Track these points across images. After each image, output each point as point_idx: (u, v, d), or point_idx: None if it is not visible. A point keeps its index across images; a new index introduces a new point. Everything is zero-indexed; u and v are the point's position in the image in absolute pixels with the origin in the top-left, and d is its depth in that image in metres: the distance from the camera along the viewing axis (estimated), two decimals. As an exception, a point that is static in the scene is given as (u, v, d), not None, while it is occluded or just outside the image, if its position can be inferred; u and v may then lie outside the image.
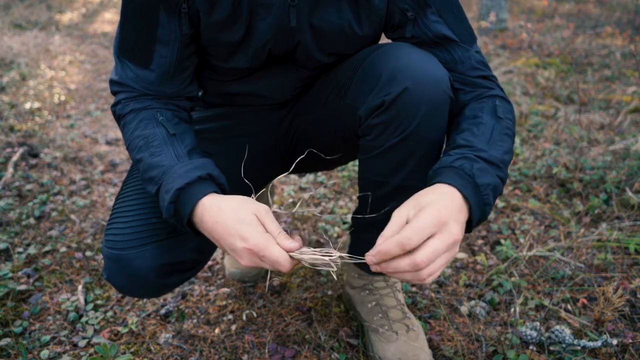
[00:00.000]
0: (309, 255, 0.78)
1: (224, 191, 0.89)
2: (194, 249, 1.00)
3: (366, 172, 1.01)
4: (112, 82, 0.98)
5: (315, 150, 1.04)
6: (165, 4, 0.90)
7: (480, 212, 0.80)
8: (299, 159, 0.92)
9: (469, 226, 0.81)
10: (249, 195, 1.21)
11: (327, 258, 0.78)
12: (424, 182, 0.98)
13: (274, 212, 0.85)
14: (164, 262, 0.94)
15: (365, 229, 1.12)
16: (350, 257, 0.80)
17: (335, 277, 0.80)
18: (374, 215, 1.03)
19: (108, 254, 0.94)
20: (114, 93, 0.99)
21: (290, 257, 0.78)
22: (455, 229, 0.73)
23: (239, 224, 0.78)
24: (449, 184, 0.79)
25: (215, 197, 0.83)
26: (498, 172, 0.83)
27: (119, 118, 0.98)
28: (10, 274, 1.47)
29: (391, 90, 0.88)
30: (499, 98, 0.95)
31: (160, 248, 0.94)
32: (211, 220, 0.80)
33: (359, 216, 1.12)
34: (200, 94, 1.16)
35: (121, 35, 0.94)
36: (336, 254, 0.78)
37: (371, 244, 1.12)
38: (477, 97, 0.96)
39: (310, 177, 2.17)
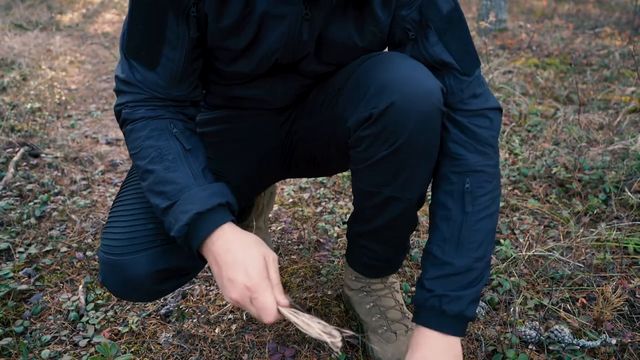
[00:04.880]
0: (304, 322, 0.79)
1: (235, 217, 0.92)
2: (189, 256, 0.99)
3: (359, 183, 1.00)
4: (118, 80, 0.94)
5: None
6: (174, 8, 0.88)
7: (465, 325, 0.93)
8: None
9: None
10: (247, 197, 1.21)
11: (326, 337, 0.76)
12: (418, 193, 0.99)
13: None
14: (160, 269, 0.94)
15: (360, 235, 1.13)
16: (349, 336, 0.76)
17: (338, 352, 0.79)
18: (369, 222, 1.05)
19: (104, 258, 0.94)
20: (118, 91, 0.95)
21: (278, 311, 0.81)
22: None
23: (248, 260, 0.82)
24: (429, 327, 0.92)
25: (234, 227, 0.86)
26: (468, 279, 0.91)
27: (125, 121, 0.94)
28: (11, 274, 1.48)
29: (378, 104, 0.87)
30: (470, 174, 0.94)
31: (156, 254, 0.93)
32: (224, 247, 0.83)
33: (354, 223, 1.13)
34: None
35: (129, 33, 0.91)
36: (338, 336, 0.76)
37: (366, 249, 1.13)
38: (451, 169, 0.95)
39: (310, 177, 2.18)
